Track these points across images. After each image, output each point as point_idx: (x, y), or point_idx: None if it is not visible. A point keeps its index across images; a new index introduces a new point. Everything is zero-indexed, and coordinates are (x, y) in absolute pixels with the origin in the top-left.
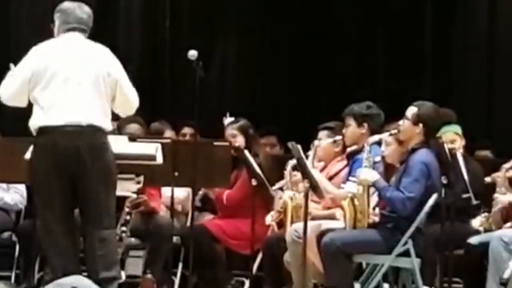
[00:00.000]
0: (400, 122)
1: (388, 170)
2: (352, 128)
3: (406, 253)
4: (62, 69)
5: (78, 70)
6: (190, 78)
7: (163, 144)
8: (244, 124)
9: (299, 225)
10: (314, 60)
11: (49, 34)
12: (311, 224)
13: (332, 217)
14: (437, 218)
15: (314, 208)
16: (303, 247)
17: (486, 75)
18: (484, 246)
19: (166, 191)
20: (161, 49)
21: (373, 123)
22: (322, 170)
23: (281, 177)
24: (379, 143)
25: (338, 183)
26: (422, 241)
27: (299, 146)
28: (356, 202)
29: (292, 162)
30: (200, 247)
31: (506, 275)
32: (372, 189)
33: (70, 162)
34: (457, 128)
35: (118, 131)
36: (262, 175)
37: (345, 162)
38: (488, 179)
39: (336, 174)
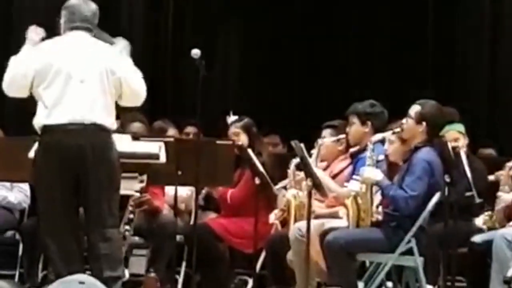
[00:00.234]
0: (403, 120)
1: (391, 168)
2: (355, 127)
3: (409, 252)
4: (66, 68)
5: (81, 68)
6: (192, 77)
7: (166, 143)
8: (247, 123)
9: (303, 224)
10: (317, 58)
11: (51, 30)
12: (314, 222)
13: (335, 216)
14: (440, 216)
15: (318, 206)
16: (306, 245)
17: (489, 74)
18: (487, 245)
19: (169, 190)
20: (163, 48)
21: (377, 122)
22: (325, 168)
23: (285, 176)
24: (382, 141)
25: (341, 181)
26: (425, 240)
27: (302, 145)
28: (360, 201)
29: (296, 161)
30: (203, 246)
31: (509, 273)
32: (375, 188)
33: (74, 161)
34: (460, 127)
35: (121, 129)
36: (265, 174)
37: (348, 160)
38: (491, 178)
39: (340, 172)
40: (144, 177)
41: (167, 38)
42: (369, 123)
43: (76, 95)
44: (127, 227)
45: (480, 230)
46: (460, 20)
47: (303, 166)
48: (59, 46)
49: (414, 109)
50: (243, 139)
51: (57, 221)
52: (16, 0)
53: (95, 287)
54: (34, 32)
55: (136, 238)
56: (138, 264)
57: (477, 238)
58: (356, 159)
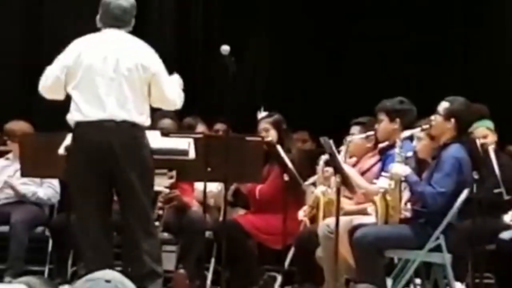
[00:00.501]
0: (432, 117)
1: (420, 165)
2: (384, 124)
3: (437, 249)
4: (96, 65)
5: (111, 66)
6: (222, 74)
7: (195, 139)
8: (277, 119)
9: (331, 220)
10: (346, 55)
11: (81, 30)
12: (343, 219)
13: (364, 212)
14: (468, 213)
15: (346, 203)
16: (335, 242)
17: None
18: None
19: (198, 186)
20: (194, 45)
21: (405, 119)
22: (354, 165)
23: (313, 172)
24: (411, 138)
25: (370, 178)
26: (454, 236)
27: (331, 141)
28: (388, 198)
29: (324, 157)
30: (232, 242)
31: None
32: (404, 185)
33: (104, 157)
34: (489, 124)
35: (151, 126)
36: (294, 170)
37: (377, 157)
38: None
39: (369, 169)
40: (174, 173)
41: (196, 35)
42: (398, 120)
43: (106, 92)
44: (156, 223)
45: (508, 227)
46: (487, 21)
47: (332, 163)
48: (90, 43)
49: (443, 105)
50: (272, 135)
51: (89, 216)
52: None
53: (122, 285)
54: None
55: (166, 234)
56: (168, 261)
57: (505, 235)
58: (385, 156)
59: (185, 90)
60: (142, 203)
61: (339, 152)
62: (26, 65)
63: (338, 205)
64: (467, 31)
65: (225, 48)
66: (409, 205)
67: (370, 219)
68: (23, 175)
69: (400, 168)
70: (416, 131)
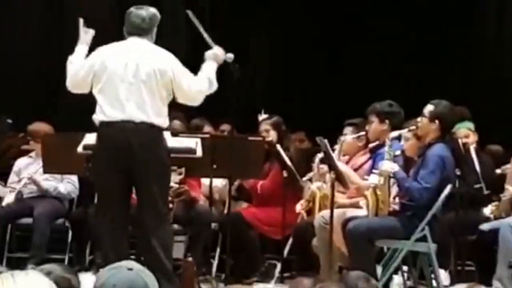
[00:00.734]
0: (418, 119)
1: (407, 163)
2: (374, 125)
3: (423, 239)
4: (118, 71)
5: (131, 71)
6: (227, 79)
7: (202, 139)
8: (277, 120)
9: (326, 213)
10: (344, 58)
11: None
12: (337, 212)
13: (356, 206)
14: (451, 206)
15: (340, 197)
16: (329, 233)
17: (497, 80)
18: (494, 232)
19: (205, 181)
20: (200, 55)
21: (394, 120)
22: (347, 162)
23: (310, 169)
24: (399, 138)
25: (362, 174)
26: (438, 228)
27: (326, 141)
28: (378, 192)
29: (320, 156)
30: (236, 233)
31: None
32: (392, 180)
33: (124, 155)
34: (470, 125)
35: None
36: (292, 167)
37: (368, 155)
38: (498, 171)
39: (360, 166)
40: (182, 170)
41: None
42: (387, 121)
43: (127, 96)
44: None
45: (487, 219)
46: (474, 33)
47: (327, 160)
48: (114, 50)
49: (428, 108)
50: (272, 136)
51: (109, 210)
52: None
53: (143, 273)
54: (84, 32)
55: (175, 226)
56: (177, 250)
57: (485, 226)
58: (375, 154)
59: None
60: (158, 199)
61: (333, 150)
62: (46, 71)
63: (332, 199)
64: (465, 31)
65: (229, 56)
66: (397, 199)
67: (361, 212)
68: (45, 171)
69: (389, 165)
70: (404, 132)
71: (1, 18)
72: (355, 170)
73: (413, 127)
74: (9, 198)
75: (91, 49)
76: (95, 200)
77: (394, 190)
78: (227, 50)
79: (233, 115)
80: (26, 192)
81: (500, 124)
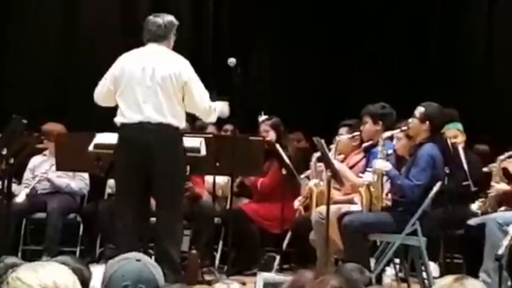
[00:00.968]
0: (410, 120)
1: (399, 161)
2: (368, 125)
3: (414, 233)
4: (135, 75)
5: (148, 75)
6: (230, 82)
7: (206, 139)
8: (276, 121)
9: (323, 209)
10: (336, 69)
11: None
12: (333, 207)
13: (351, 202)
14: (441, 202)
15: (336, 194)
16: (326, 227)
17: (487, 82)
18: (481, 227)
19: (208, 178)
20: (204, 59)
21: (387, 121)
22: (342, 161)
23: (307, 167)
24: (391, 138)
25: (356, 172)
26: (428, 223)
27: (322, 141)
28: (372, 189)
29: (317, 155)
30: (237, 227)
31: (500, 251)
32: (385, 177)
33: (142, 154)
34: (459, 125)
35: None
36: (291, 166)
37: (362, 154)
38: (485, 169)
39: (355, 165)
40: (187, 167)
41: (208, 50)
42: (380, 122)
43: (144, 98)
44: None
45: (475, 215)
46: (461, 33)
47: (323, 159)
48: (133, 56)
49: (419, 110)
50: (271, 136)
51: (126, 205)
52: (85, 7)
53: (150, 264)
54: None
55: None
56: (182, 243)
57: (472, 221)
58: (369, 153)
59: None
60: (173, 196)
61: (329, 150)
62: (59, 74)
63: (328, 195)
64: (441, 44)
65: (231, 61)
66: (389, 196)
67: (356, 208)
68: (58, 169)
69: (382, 164)
70: (396, 132)
71: (18, 23)
72: (350, 168)
73: (404, 128)
74: (23, 194)
75: (100, 53)
76: (105, 196)
77: (387, 187)
78: (230, 56)
79: (235, 116)
80: (40, 188)
81: (487, 125)
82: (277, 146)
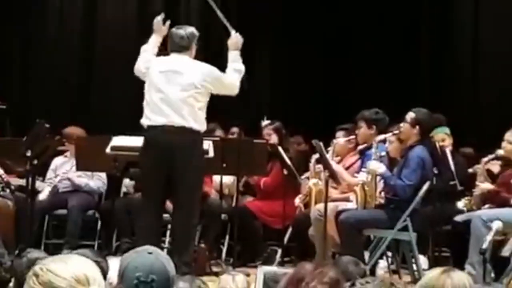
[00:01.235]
0: (401, 124)
1: (391, 162)
2: (363, 130)
3: (405, 228)
4: (160, 82)
5: (171, 82)
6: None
7: (214, 142)
8: (278, 126)
9: (321, 206)
10: (330, 76)
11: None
12: (330, 205)
13: (347, 200)
14: (430, 200)
15: (333, 192)
16: (324, 223)
17: (471, 88)
18: (467, 223)
19: (216, 178)
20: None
21: (380, 125)
22: (339, 162)
23: (307, 168)
24: (384, 141)
25: (352, 173)
26: (418, 219)
27: (321, 144)
28: (366, 188)
29: (316, 156)
30: (242, 223)
31: (484, 246)
32: (378, 177)
33: (165, 154)
34: (446, 130)
35: None
36: (292, 166)
37: (357, 156)
38: (470, 170)
39: (350, 166)
40: None
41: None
42: (374, 126)
43: (167, 104)
44: None
45: (461, 212)
46: (449, 41)
47: (322, 160)
48: (159, 65)
49: (410, 115)
50: (274, 139)
51: (147, 202)
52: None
53: (161, 256)
54: (157, 24)
55: None
56: None
57: (458, 218)
58: (363, 155)
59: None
60: (191, 194)
61: (327, 152)
62: (79, 80)
63: (326, 194)
64: (430, 54)
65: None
66: (382, 194)
67: (352, 205)
68: (78, 169)
69: (375, 165)
70: (388, 136)
71: (38, 29)
72: (346, 169)
73: (396, 132)
74: (46, 191)
75: (118, 61)
76: (121, 194)
77: (380, 186)
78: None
79: (241, 121)
80: (61, 187)
81: (472, 129)
82: (279, 148)
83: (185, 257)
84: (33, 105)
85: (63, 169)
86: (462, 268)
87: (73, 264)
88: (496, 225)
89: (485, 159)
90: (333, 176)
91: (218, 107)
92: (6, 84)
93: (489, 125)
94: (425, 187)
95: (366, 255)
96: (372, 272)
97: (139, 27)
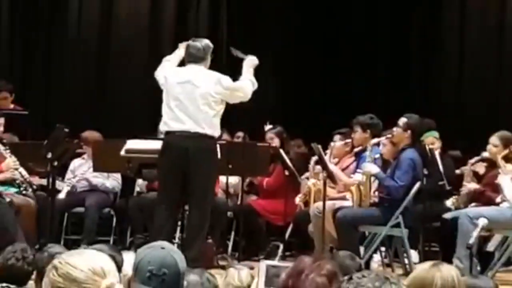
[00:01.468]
0: (394, 129)
1: (384, 164)
2: (358, 133)
3: (397, 225)
4: (177, 91)
5: (186, 92)
6: None
7: (221, 145)
8: (279, 130)
9: (320, 204)
10: (328, 84)
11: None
12: (328, 203)
13: (344, 198)
14: (420, 199)
15: (331, 192)
16: (322, 220)
17: (456, 96)
18: (454, 220)
19: (222, 178)
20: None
21: (374, 130)
22: (336, 164)
23: (307, 169)
24: (378, 144)
25: (348, 173)
26: (409, 216)
27: (319, 146)
28: (361, 188)
29: (315, 158)
30: (247, 220)
31: (471, 241)
32: (373, 178)
33: (182, 158)
34: (436, 133)
35: None
36: (292, 168)
37: (353, 158)
38: (458, 171)
39: (347, 167)
40: None
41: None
42: (368, 131)
43: (184, 111)
44: None
45: (449, 210)
46: (434, 51)
47: (320, 162)
48: (176, 75)
49: (402, 120)
50: (276, 142)
51: (163, 203)
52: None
53: (173, 251)
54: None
55: None
56: None
57: (447, 215)
58: (359, 157)
59: None
60: (205, 196)
61: (325, 154)
62: (97, 88)
63: (324, 193)
64: (418, 67)
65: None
66: (376, 193)
67: (348, 203)
68: (94, 170)
69: (370, 167)
70: (382, 139)
71: (58, 39)
72: (343, 170)
73: (389, 135)
74: (65, 190)
75: (132, 68)
76: (135, 194)
77: (374, 185)
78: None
79: (246, 125)
80: (79, 186)
81: (459, 133)
82: (281, 151)
83: (194, 253)
84: (53, 110)
85: (81, 170)
86: (450, 261)
87: (90, 258)
88: (482, 222)
89: (472, 160)
90: (330, 176)
91: (225, 113)
92: (28, 92)
93: (475, 130)
94: (416, 187)
95: (362, 249)
96: (367, 266)
97: (150, 34)
